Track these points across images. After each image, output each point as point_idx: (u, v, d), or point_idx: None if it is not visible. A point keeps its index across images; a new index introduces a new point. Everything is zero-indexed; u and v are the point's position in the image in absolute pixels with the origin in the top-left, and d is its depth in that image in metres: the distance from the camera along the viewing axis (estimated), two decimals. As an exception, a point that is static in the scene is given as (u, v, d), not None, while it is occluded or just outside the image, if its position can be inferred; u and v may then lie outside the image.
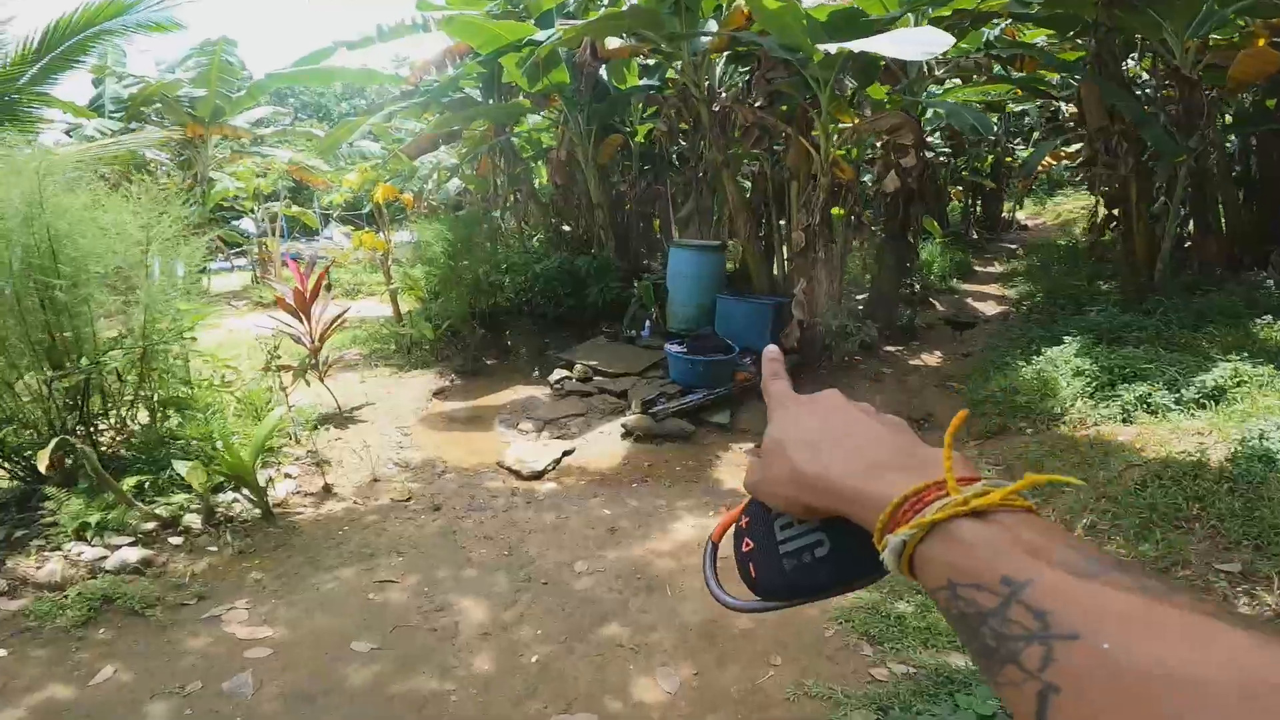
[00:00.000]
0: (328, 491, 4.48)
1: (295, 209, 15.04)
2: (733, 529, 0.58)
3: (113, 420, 4.15)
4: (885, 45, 4.24)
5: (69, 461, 3.76)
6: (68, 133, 11.33)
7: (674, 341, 6.49)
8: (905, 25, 5.75)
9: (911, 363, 6.97)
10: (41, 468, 3.25)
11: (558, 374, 6.91)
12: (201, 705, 2.60)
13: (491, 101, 10.36)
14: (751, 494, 0.55)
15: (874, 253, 7.57)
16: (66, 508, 3.50)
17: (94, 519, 3.47)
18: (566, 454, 5.27)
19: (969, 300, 9.61)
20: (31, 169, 3.41)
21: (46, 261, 3.56)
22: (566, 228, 10.89)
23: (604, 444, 5.45)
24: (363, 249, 8.40)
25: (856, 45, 4.27)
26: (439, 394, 6.73)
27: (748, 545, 0.54)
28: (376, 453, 5.03)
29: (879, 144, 6.89)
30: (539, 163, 11.86)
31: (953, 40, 4.14)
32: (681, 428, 5.53)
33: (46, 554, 3.43)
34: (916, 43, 4.03)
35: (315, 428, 5.05)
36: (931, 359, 7.16)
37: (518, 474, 4.96)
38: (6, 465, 3.90)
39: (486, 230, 7.92)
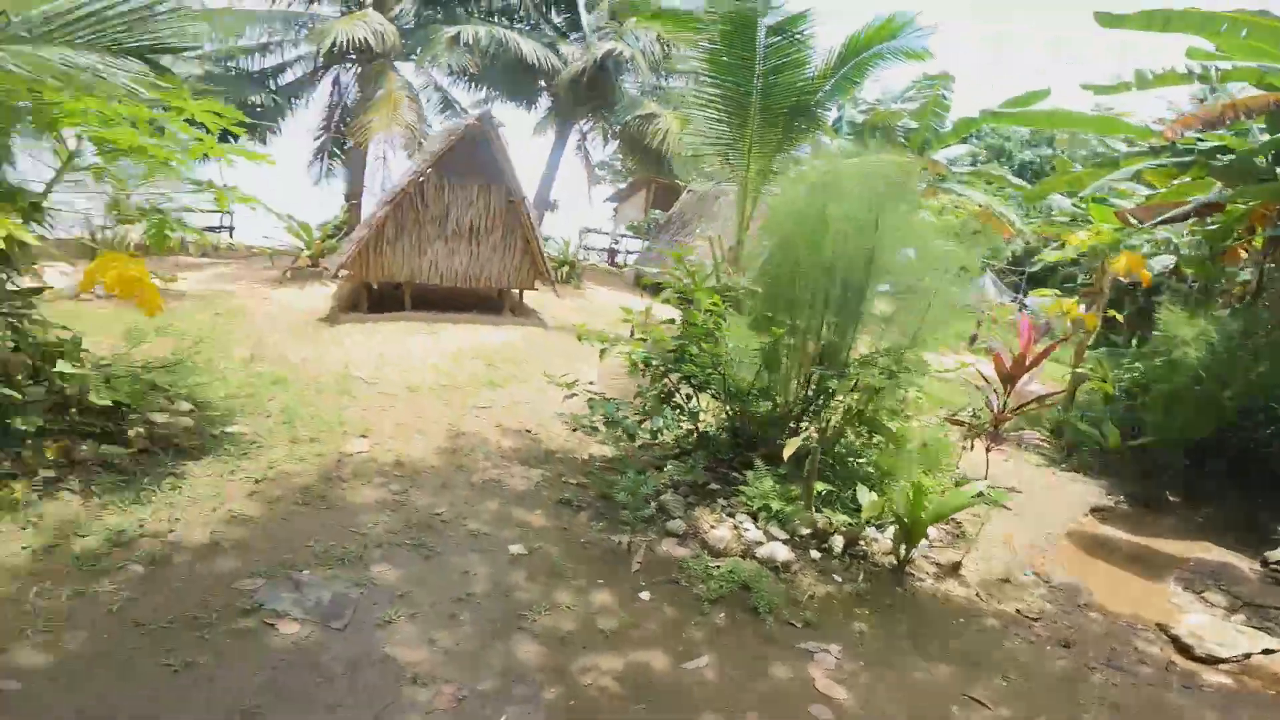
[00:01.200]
0: (955, 570, 4.19)
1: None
2: None
3: (819, 421, 4.62)
4: None
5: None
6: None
7: None
8: None
9: None
10: (785, 455, 3.79)
11: (1282, 554, 4.92)
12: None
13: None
14: None
15: None
16: (759, 484, 4.08)
17: (775, 506, 3.96)
18: (1267, 651, 3.76)
19: None
20: (879, 175, 3.73)
21: (861, 264, 3.85)
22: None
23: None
24: (1063, 316, 7.47)
25: None
26: (1097, 512, 5.65)
27: None
28: (1015, 553, 4.46)
29: None
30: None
31: None
32: None
33: (723, 517, 4.08)
34: None
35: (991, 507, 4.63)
36: None
37: (1186, 650, 3.78)
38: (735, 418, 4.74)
39: (1252, 342, 5.90)
